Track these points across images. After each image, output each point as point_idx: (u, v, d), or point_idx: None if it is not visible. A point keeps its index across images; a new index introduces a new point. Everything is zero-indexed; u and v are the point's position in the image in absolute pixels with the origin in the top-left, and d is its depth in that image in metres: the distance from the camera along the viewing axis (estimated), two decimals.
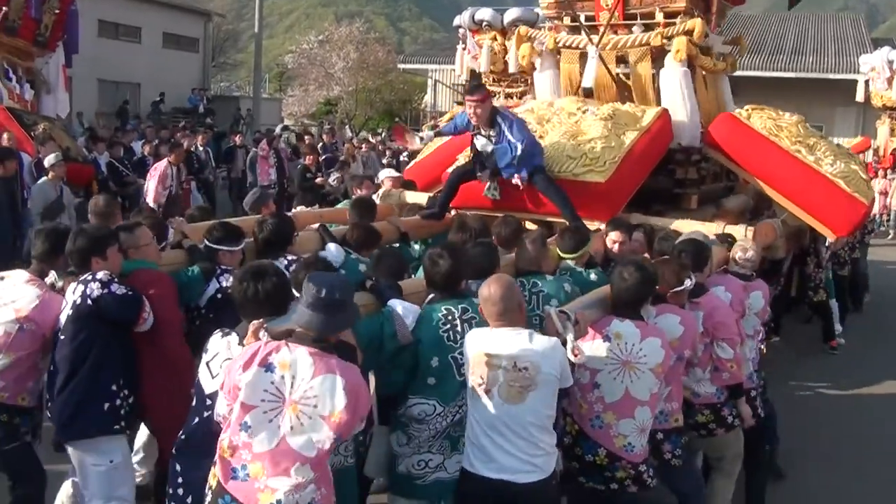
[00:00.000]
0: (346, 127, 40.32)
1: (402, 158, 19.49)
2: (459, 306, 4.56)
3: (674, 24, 8.65)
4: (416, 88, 46.23)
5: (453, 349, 4.43)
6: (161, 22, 38.03)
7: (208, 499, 3.64)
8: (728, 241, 6.81)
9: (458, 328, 4.48)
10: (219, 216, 8.18)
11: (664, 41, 8.58)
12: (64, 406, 4.66)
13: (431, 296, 4.74)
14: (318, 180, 14.56)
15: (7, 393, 4.82)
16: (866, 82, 23.81)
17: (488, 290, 4.23)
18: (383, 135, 27.66)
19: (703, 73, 9.15)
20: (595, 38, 8.83)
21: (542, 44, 9.46)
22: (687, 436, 5.29)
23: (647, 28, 8.83)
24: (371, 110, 43.79)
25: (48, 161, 10.40)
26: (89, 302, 4.62)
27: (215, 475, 3.60)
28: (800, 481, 6.77)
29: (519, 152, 7.25)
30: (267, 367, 3.52)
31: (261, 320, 3.83)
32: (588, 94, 9.04)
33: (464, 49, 21.41)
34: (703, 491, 5.45)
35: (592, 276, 5.83)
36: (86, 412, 4.66)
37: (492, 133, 7.40)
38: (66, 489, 5.19)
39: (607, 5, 9.00)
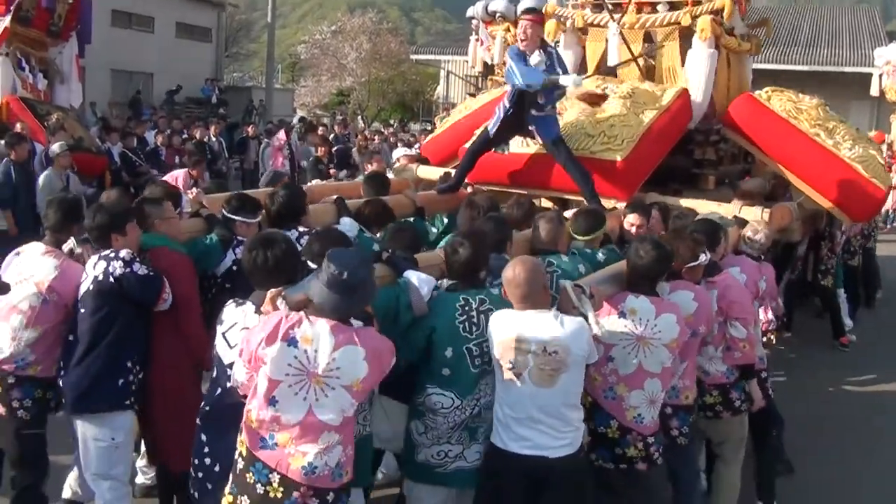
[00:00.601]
0: (359, 118, 40.38)
1: (413, 150, 19.46)
2: (477, 297, 4.52)
3: (701, 2, 8.58)
4: (428, 79, 46.18)
5: (468, 340, 4.41)
6: (174, 12, 38.00)
7: (239, 466, 3.72)
8: (744, 223, 6.78)
9: (475, 319, 4.45)
10: None
11: (693, 20, 8.51)
12: (81, 379, 4.74)
13: (450, 283, 4.73)
14: (331, 172, 14.55)
15: (40, 366, 4.90)
16: (881, 76, 23.64)
17: (513, 272, 4.25)
18: (395, 126, 27.62)
19: (728, 53, 9.08)
20: (617, 15, 8.79)
21: (566, 20, 9.40)
22: (694, 416, 5.30)
23: (673, 7, 8.77)
24: (383, 101, 43.85)
25: (52, 150, 10.43)
26: (111, 280, 4.68)
27: (243, 442, 3.70)
28: (804, 477, 6.74)
29: (569, 82, 7.17)
30: (290, 341, 3.58)
31: (279, 288, 3.88)
32: (609, 72, 8.98)
33: (476, 40, 21.36)
34: (698, 484, 5.50)
35: (600, 256, 5.83)
36: (101, 387, 4.74)
37: (540, 57, 7.18)
38: (74, 473, 5.23)
39: None
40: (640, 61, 8.90)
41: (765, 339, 6.80)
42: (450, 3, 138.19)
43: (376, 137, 20.37)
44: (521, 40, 7.19)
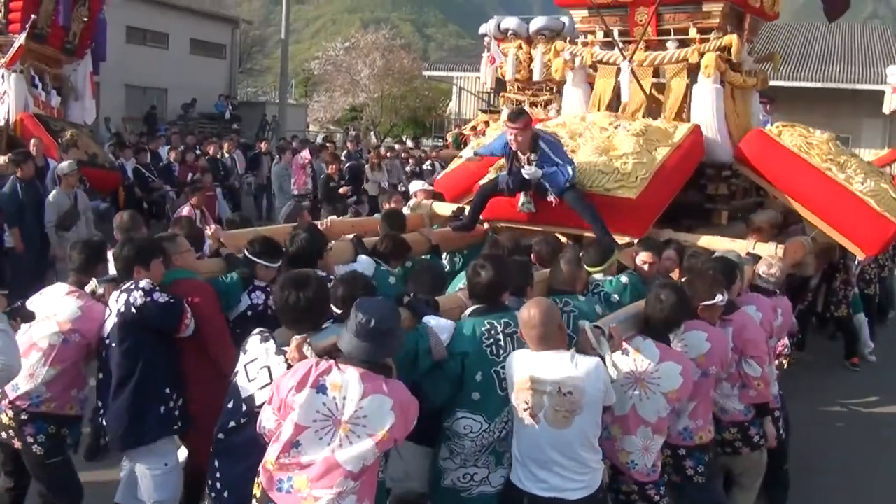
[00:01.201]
0: (371, 133, 40.50)
1: (425, 167, 19.52)
2: (502, 321, 4.56)
3: (708, 39, 8.67)
4: (440, 95, 46.35)
5: (496, 363, 4.44)
6: (188, 28, 38.32)
7: None
8: (758, 258, 6.79)
9: (501, 342, 4.49)
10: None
11: (700, 57, 8.61)
12: (122, 414, 4.78)
13: (473, 308, 4.73)
14: (342, 190, 14.54)
15: (55, 403, 4.92)
16: (893, 93, 23.56)
17: (528, 313, 4.23)
18: (407, 143, 27.71)
19: (733, 88, 9.16)
20: (627, 52, 8.89)
21: (575, 58, 9.50)
22: (713, 453, 5.28)
23: (682, 44, 8.86)
24: (396, 117, 43.95)
25: (60, 169, 10.42)
26: (133, 310, 4.74)
27: (259, 484, 3.73)
28: (810, 484, 6.75)
29: (571, 174, 7.31)
30: (319, 388, 3.61)
31: (304, 336, 3.91)
32: (616, 108, 9.06)
33: (489, 57, 21.48)
34: None
35: (623, 279, 5.90)
36: (143, 418, 4.79)
37: (533, 157, 7.40)
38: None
39: (641, 21, 9.04)
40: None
41: (777, 361, 6.81)
42: (463, 19, 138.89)
43: (388, 154, 20.41)
44: (513, 146, 7.50)
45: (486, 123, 20.23)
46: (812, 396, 8.81)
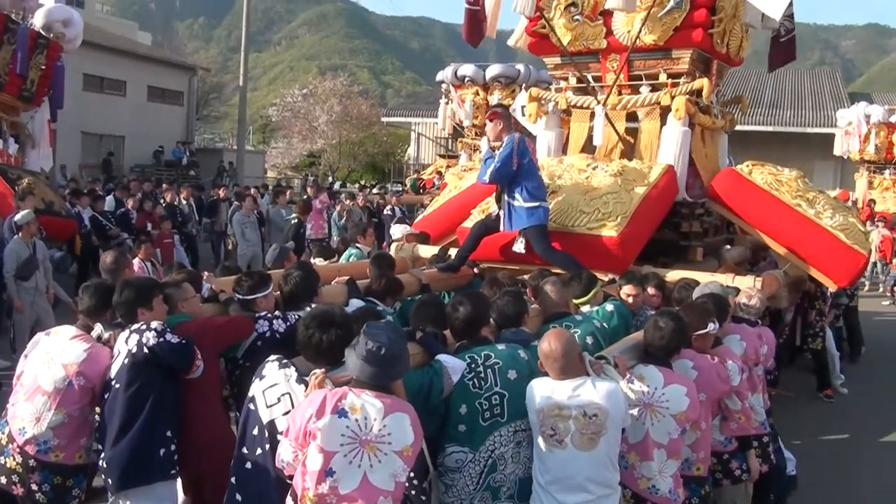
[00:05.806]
0: (329, 179, 40.56)
1: (385, 213, 19.52)
2: (482, 353, 4.62)
3: (678, 83, 8.87)
4: (399, 141, 46.60)
5: (479, 396, 4.49)
6: (146, 75, 38.29)
7: None
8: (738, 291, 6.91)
9: (483, 374, 4.52)
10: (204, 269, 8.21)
11: (672, 101, 8.79)
12: (123, 454, 4.68)
13: (456, 345, 4.81)
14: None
15: (63, 452, 4.85)
16: (843, 136, 24.05)
17: (549, 346, 4.31)
18: (368, 191, 27.72)
19: (703, 130, 9.38)
20: (602, 97, 9.05)
21: (549, 103, 9.67)
22: (708, 486, 5.31)
23: (654, 88, 9.05)
24: (354, 163, 44.15)
25: (18, 219, 10.25)
26: (145, 350, 4.67)
27: None
28: None
29: (496, 162, 7.37)
30: (339, 412, 3.67)
31: (322, 370, 3.97)
32: (591, 151, 9.20)
33: (446, 104, 21.69)
34: None
35: (609, 307, 5.98)
36: (144, 459, 4.70)
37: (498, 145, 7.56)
38: None
39: (612, 68, 9.24)
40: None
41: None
42: (420, 66, 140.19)
43: (348, 200, 20.40)
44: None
45: (447, 167, 20.36)
46: (787, 428, 8.88)
